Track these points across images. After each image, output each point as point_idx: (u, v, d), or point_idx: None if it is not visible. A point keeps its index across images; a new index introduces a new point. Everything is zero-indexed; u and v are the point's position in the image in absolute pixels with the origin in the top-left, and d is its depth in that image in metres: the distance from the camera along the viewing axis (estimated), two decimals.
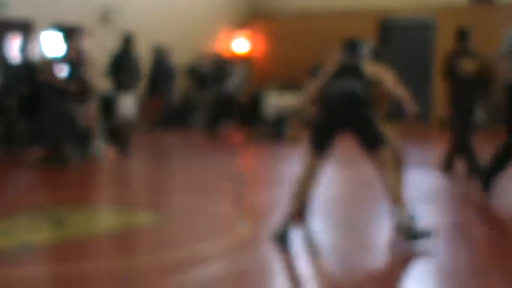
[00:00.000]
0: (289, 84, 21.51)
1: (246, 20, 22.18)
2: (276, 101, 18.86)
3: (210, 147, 14.26)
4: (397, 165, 6.24)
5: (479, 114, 9.65)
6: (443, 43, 19.43)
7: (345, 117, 5.51)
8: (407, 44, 20.45)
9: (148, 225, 6.28)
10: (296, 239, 5.48)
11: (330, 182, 8.23)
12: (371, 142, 5.43)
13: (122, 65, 11.41)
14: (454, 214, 7.30)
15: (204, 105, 19.18)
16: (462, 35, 9.55)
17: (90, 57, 10.90)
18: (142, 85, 12.53)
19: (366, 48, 5.96)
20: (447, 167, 9.36)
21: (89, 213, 6.75)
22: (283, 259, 5.14)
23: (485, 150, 8.83)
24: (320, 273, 4.97)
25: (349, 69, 5.63)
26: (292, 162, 10.39)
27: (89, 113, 10.86)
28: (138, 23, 16.74)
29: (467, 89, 9.37)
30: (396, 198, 5.39)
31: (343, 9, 21.40)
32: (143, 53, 13.02)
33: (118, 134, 11.31)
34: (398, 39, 20.89)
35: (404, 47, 20.36)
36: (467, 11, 19.47)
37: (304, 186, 5.60)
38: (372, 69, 5.67)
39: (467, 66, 9.36)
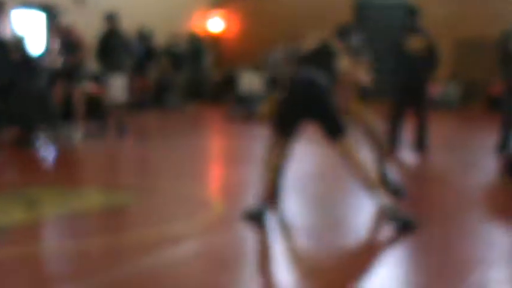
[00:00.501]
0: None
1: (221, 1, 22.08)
2: (249, 80, 18.84)
3: (184, 127, 14.23)
4: (377, 148, 6.34)
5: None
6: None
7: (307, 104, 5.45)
8: (383, 23, 20.53)
9: (121, 206, 6.28)
10: (270, 219, 5.52)
11: (305, 159, 8.27)
12: (332, 131, 5.37)
13: (110, 46, 11.26)
14: None
15: (179, 85, 19.13)
16: (411, 13, 9.74)
17: (82, 38, 10.88)
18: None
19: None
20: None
21: (62, 194, 6.73)
22: (257, 238, 5.17)
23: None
24: (294, 251, 5.01)
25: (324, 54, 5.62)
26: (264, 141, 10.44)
27: (76, 94, 10.86)
28: (112, 4, 16.60)
29: (414, 66, 9.55)
30: (369, 185, 5.30)
31: None
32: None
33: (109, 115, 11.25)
34: (373, 18, 20.97)
35: (379, 25, 20.44)
36: None
37: (272, 168, 5.56)
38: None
39: (415, 44, 9.53)
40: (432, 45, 9.59)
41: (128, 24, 15.73)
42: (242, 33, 21.03)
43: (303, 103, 5.40)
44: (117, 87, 11.10)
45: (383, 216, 5.34)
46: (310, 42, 5.74)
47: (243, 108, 15.18)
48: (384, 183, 6.15)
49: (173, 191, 6.94)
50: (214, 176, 8.59)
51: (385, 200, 5.27)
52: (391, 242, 5.21)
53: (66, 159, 9.26)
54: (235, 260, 4.68)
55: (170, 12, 19.22)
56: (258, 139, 10.52)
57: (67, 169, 8.60)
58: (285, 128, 5.49)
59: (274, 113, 5.57)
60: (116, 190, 6.95)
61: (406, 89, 9.55)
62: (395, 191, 6.28)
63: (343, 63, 5.73)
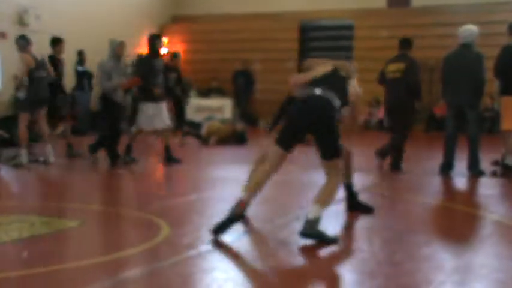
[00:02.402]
0: (209, 87, 21.52)
1: (166, 24, 22.10)
2: (196, 104, 18.84)
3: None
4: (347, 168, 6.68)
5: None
6: (361, 42, 19.93)
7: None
8: (328, 43, 20.80)
9: (66, 232, 6.16)
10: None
11: None
12: (328, 152, 5.72)
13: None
14: None
15: (126, 108, 18.99)
16: (401, 43, 10.30)
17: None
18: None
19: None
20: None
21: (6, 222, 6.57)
22: (205, 262, 5.13)
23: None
24: (239, 276, 4.98)
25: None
26: (213, 166, 10.42)
27: (39, 117, 10.71)
28: (56, 27, 16.47)
29: (392, 90, 10.09)
30: (323, 201, 5.64)
31: (264, 11, 21.56)
32: (66, 57, 12.81)
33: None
34: (318, 39, 21.23)
35: (324, 46, 20.72)
36: (384, 13, 19.90)
37: (264, 178, 5.77)
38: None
39: (391, 68, 10.02)
40: (407, 70, 9.99)
41: (68, 47, 15.67)
42: (187, 57, 21.00)
43: (315, 121, 5.68)
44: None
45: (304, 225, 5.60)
46: (322, 67, 6.07)
47: (192, 131, 15.21)
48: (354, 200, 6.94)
49: (120, 217, 6.84)
50: (163, 201, 8.52)
51: (318, 217, 5.58)
52: (335, 265, 5.23)
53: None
54: (182, 283, 4.62)
55: (114, 36, 19.12)
56: (207, 163, 10.55)
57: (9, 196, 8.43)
58: (288, 142, 5.77)
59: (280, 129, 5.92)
60: (60, 217, 6.82)
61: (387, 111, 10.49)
62: (366, 208, 6.91)
63: (352, 84, 6.04)
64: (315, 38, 21.48)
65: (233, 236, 5.92)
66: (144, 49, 20.68)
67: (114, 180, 9.78)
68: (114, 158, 10.74)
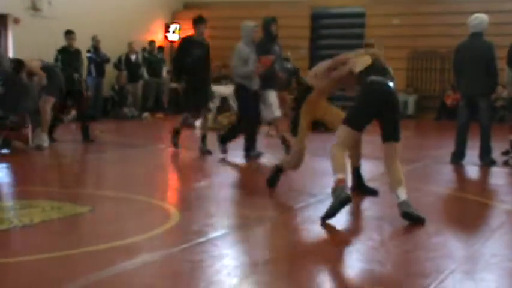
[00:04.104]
0: (220, 74, 21.53)
1: (179, 11, 22.10)
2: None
3: (144, 137, 14.16)
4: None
5: None
6: (372, 30, 19.89)
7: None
8: (339, 31, 20.72)
9: (77, 218, 6.18)
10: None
11: None
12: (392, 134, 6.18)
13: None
14: None
15: (137, 95, 19.05)
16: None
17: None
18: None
19: None
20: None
21: (8, 206, 6.61)
22: (214, 250, 5.14)
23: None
24: (247, 266, 4.98)
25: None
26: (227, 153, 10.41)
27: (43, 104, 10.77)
28: (69, 13, 16.50)
29: None
30: (402, 180, 6.10)
31: None
32: (78, 43, 12.89)
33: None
34: (329, 26, 21.15)
35: (335, 34, 20.65)
36: (396, 1, 19.81)
37: (343, 159, 6.18)
38: None
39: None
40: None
41: (83, 34, 15.70)
42: None
43: (383, 104, 6.12)
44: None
45: (402, 208, 5.93)
46: (363, 57, 6.49)
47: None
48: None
49: (130, 202, 6.87)
50: (172, 187, 8.54)
51: (404, 196, 5.98)
52: (346, 253, 5.24)
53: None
54: (192, 270, 4.63)
55: (127, 22, 19.15)
56: (216, 150, 10.53)
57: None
58: (361, 124, 6.23)
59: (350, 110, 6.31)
60: (71, 203, 6.85)
61: None
62: (372, 192, 7.31)
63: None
64: (326, 25, 21.39)
65: (244, 223, 5.94)
66: (157, 35, 20.78)
67: (124, 166, 9.80)
68: (250, 149, 10.09)
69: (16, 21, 15.20)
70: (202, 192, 7.71)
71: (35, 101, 10.78)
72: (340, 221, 5.88)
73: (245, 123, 10.15)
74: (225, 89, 18.91)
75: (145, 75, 19.21)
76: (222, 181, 8.51)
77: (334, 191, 5.93)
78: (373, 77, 6.19)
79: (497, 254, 5.14)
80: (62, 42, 12.76)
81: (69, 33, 12.74)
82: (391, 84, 6.20)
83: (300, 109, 7.03)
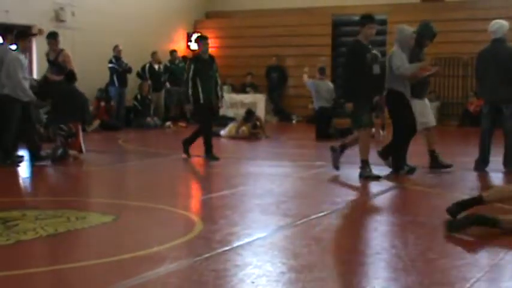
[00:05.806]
0: (244, 82, 21.57)
1: (200, 20, 22.21)
2: (229, 99, 18.90)
3: (167, 146, 14.21)
4: None
5: None
6: (394, 37, 19.77)
7: None
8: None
9: (101, 228, 6.22)
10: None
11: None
12: None
13: None
14: None
15: (160, 104, 19.13)
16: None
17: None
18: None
19: None
20: None
21: (34, 216, 6.66)
22: (237, 258, 5.15)
23: None
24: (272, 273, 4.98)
25: None
26: (245, 161, 10.43)
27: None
28: (92, 23, 16.66)
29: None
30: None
31: (296, 6, 21.51)
32: (101, 53, 13.00)
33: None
34: (351, 34, 21.09)
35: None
36: (417, 7, 19.75)
37: None
38: None
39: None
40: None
41: (106, 45, 15.83)
42: (220, 52, 21.00)
43: None
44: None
45: None
46: None
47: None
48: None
49: (156, 212, 6.90)
50: (195, 196, 8.56)
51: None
52: (369, 262, 5.22)
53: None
54: (215, 279, 4.64)
55: (149, 32, 19.29)
56: (238, 159, 10.57)
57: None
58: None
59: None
60: (96, 212, 6.89)
61: None
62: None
63: None
64: (347, 33, 21.36)
65: (266, 232, 5.94)
66: (179, 44, 20.86)
67: (147, 175, 9.84)
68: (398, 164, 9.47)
69: (40, 32, 15.33)
70: (226, 201, 7.72)
71: (85, 109, 11.20)
72: (363, 228, 5.86)
73: (399, 133, 9.43)
74: (249, 98, 18.87)
75: (168, 84, 19.30)
76: (247, 190, 8.52)
77: None
78: None
79: None
80: (85, 52, 12.87)
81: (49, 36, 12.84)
82: None
83: None
